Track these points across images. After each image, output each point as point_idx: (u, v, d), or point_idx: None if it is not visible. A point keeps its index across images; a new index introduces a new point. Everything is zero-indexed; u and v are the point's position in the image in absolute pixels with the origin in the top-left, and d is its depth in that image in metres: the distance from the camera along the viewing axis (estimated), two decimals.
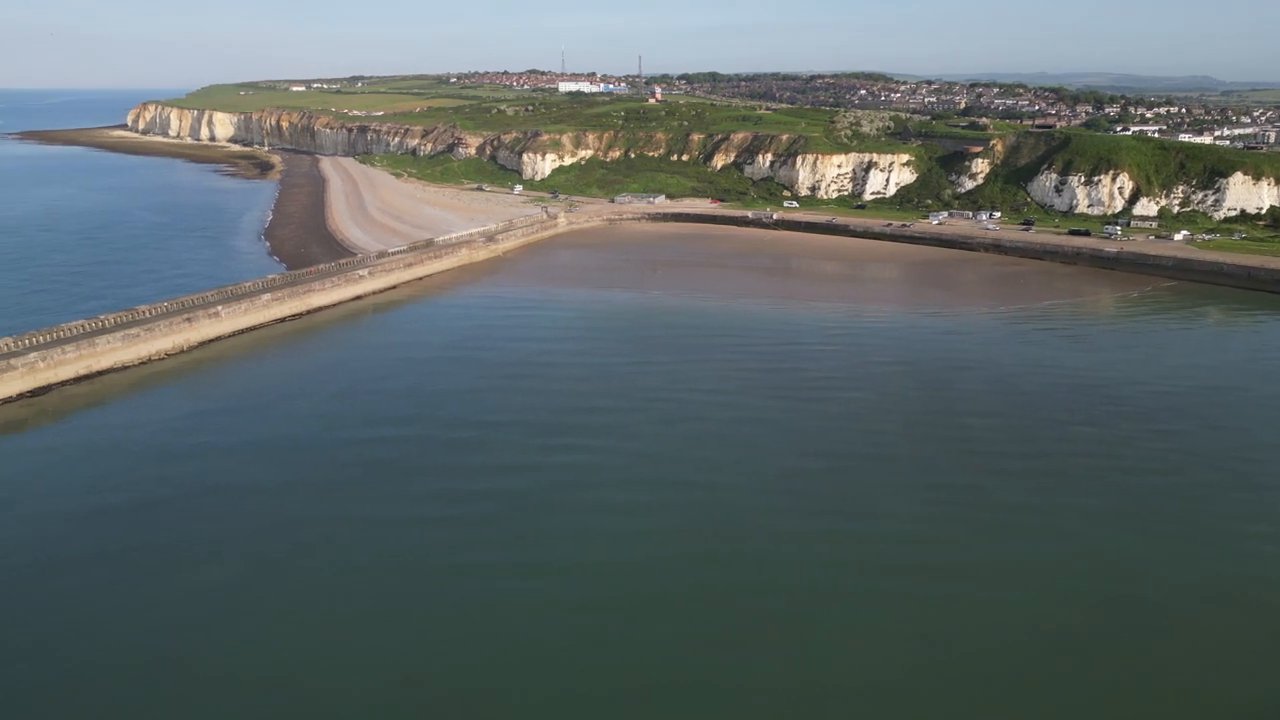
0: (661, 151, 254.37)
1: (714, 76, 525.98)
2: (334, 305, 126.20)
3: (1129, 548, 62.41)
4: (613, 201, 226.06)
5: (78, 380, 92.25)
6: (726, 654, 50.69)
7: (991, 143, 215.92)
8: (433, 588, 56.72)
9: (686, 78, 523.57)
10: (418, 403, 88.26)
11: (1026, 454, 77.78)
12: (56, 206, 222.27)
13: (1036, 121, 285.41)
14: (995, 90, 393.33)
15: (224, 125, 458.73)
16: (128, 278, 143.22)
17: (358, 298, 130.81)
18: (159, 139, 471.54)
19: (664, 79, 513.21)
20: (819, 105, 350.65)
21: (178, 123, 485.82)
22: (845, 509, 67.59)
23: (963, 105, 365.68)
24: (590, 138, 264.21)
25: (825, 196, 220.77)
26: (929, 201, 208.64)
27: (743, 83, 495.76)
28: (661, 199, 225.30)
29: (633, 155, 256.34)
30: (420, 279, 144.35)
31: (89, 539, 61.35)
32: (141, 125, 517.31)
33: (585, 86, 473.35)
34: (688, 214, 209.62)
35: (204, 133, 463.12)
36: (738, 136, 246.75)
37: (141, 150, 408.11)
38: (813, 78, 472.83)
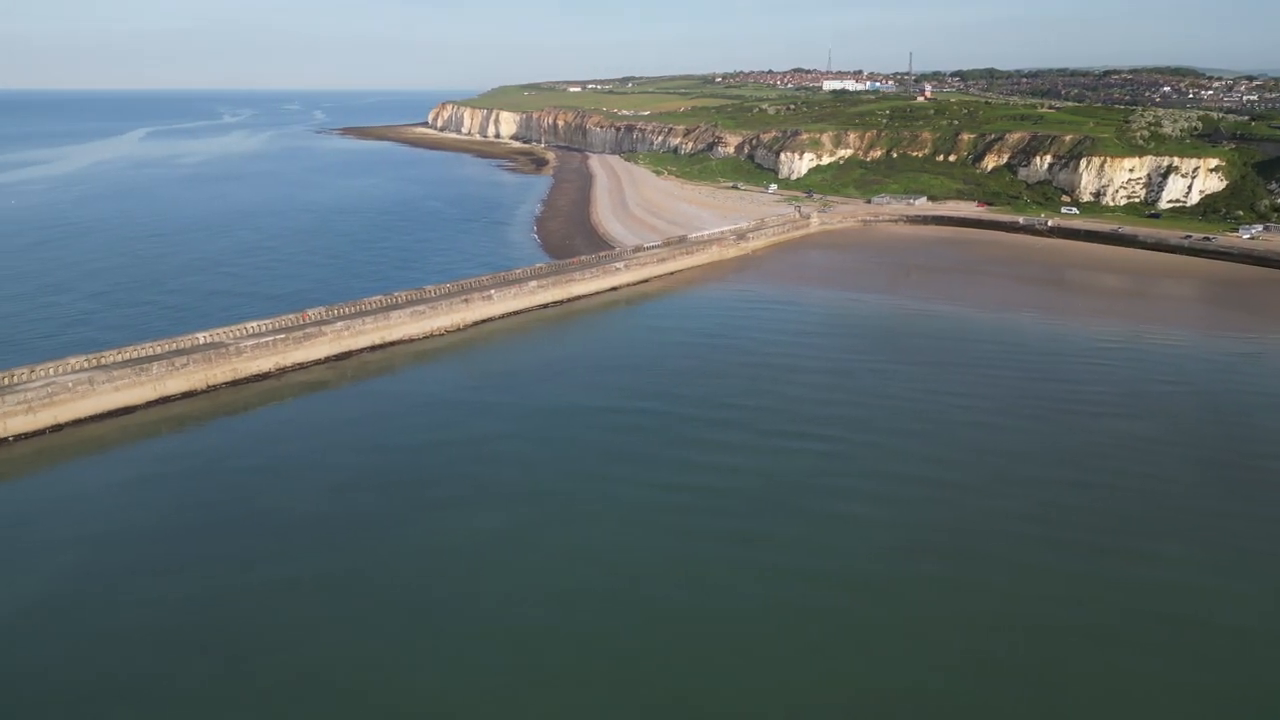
0: (926, 151, 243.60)
1: (991, 73, 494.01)
2: (591, 295, 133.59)
3: None
4: (869, 202, 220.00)
5: (373, 349, 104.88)
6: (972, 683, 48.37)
7: None
8: (651, 571, 58.97)
9: (960, 75, 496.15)
10: (659, 389, 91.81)
11: None
12: (366, 194, 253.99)
13: None
14: None
15: (508, 124, 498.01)
16: (418, 258, 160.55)
17: (613, 289, 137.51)
18: (452, 136, 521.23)
19: (935, 76, 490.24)
20: (1111, 103, 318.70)
21: (469, 121, 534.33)
22: (1108, 543, 61.69)
23: None
24: (851, 137, 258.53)
25: (1111, 203, 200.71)
26: (1240, 213, 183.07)
27: (1023, 79, 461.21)
28: (923, 201, 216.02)
29: (895, 155, 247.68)
30: (671, 273, 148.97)
31: (373, 475, 70.20)
32: (439, 123, 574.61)
33: (850, 85, 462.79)
34: (950, 217, 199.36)
35: (491, 130, 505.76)
36: (1013, 136, 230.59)
37: (437, 146, 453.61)
38: (1106, 73, 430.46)
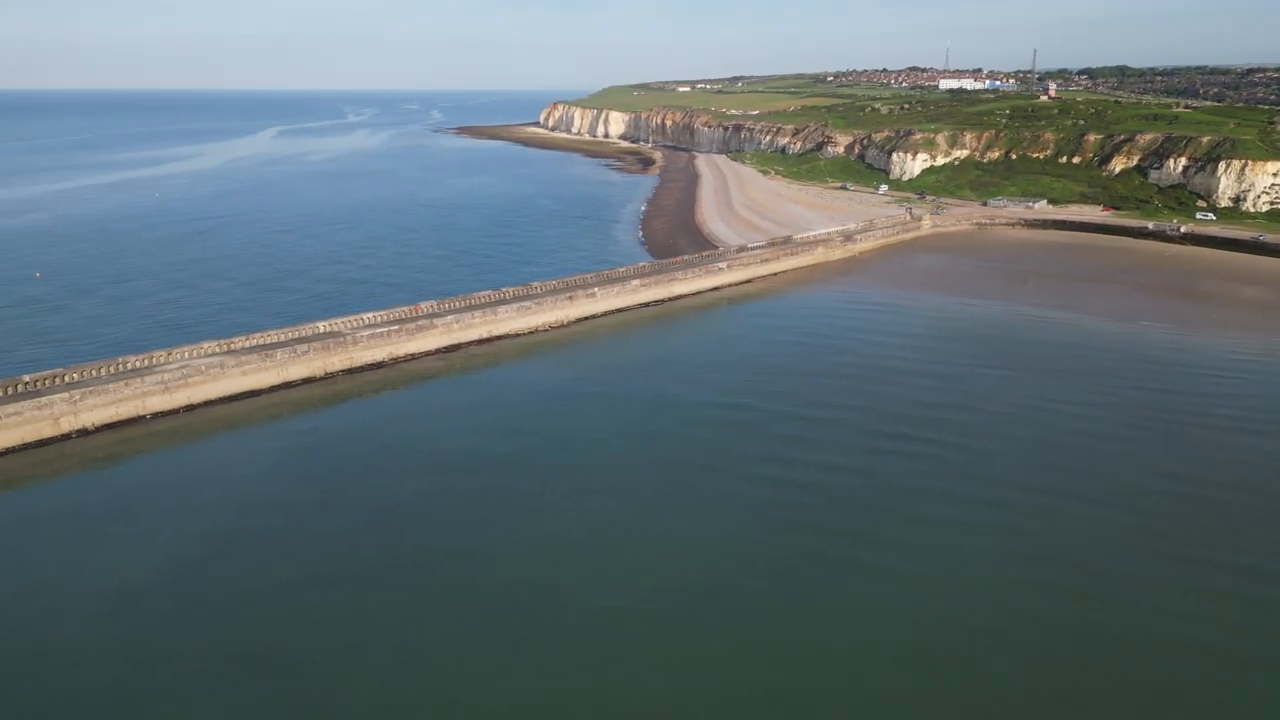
0: (1048, 153, 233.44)
1: (1122, 71, 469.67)
2: (693, 294, 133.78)
3: None
4: (985, 205, 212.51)
5: (480, 342, 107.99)
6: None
7: None
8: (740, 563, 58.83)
9: (1088, 72, 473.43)
10: (759, 387, 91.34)
11: None
12: (479, 192, 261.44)
13: None
14: None
15: (617, 124, 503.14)
16: (526, 255, 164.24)
17: (715, 288, 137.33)
18: (563, 135, 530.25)
19: (1061, 74, 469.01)
20: (1255, 103, 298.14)
21: (579, 121, 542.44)
22: (1239, 561, 58.09)
23: None
24: (967, 137, 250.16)
25: (1252, 209, 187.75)
26: None
27: (1157, 78, 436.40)
28: (1042, 204, 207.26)
29: (1014, 156, 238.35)
30: (774, 274, 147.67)
31: (475, 462, 72.53)
32: (550, 123, 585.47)
33: (968, 83, 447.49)
34: (1072, 221, 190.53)
35: (599, 130, 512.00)
36: (1144, 138, 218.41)
37: (547, 145, 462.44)
38: (1249, 71, 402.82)
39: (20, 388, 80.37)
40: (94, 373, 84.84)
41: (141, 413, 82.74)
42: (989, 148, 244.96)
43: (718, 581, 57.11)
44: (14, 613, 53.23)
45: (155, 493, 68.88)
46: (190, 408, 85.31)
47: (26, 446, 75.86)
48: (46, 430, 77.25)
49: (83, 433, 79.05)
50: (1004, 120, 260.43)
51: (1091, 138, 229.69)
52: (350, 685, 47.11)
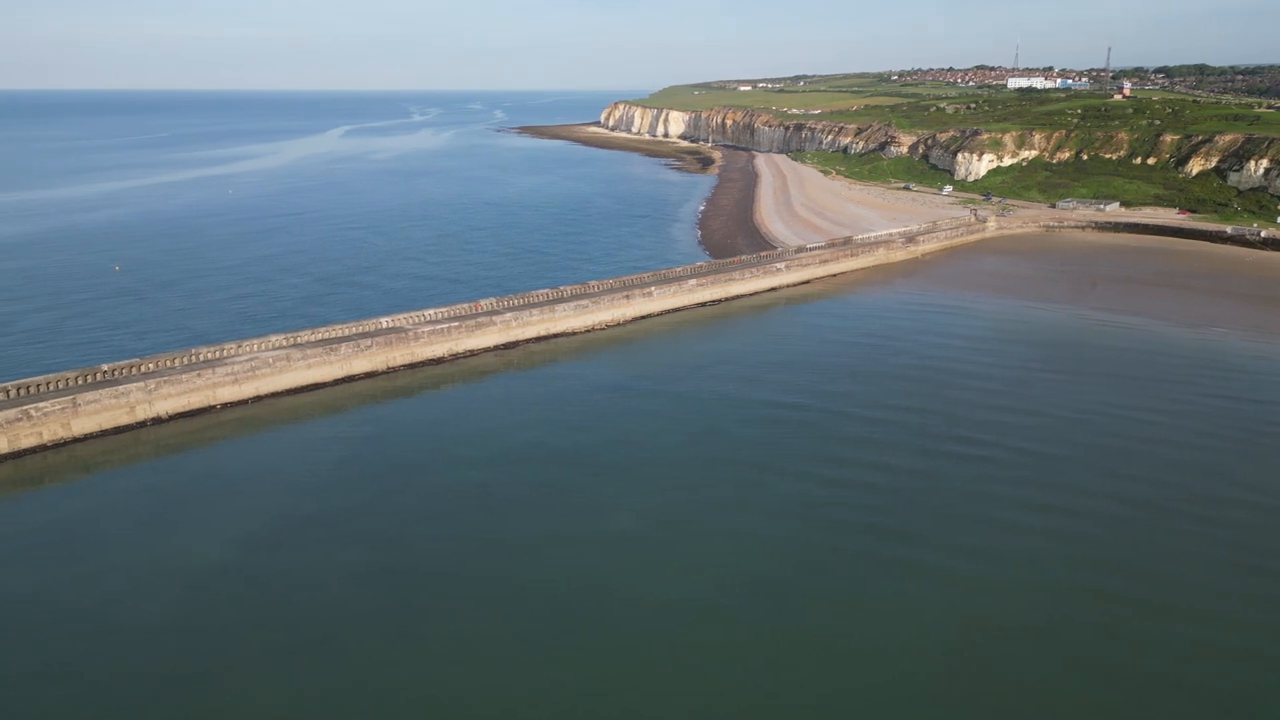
0: (1122, 154, 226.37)
1: (1201, 69, 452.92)
2: (751, 294, 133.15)
3: None
4: (1054, 207, 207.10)
5: (538, 340, 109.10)
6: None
7: None
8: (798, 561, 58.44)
9: (1165, 71, 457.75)
10: (816, 387, 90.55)
11: None
12: (540, 190, 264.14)
13: None
14: None
15: (677, 123, 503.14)
16: (584, 253, 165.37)
17: (773, 289, 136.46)
18: (622, 135, 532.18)
19: (1136, 73, 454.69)
20: None
21: (639, 120, 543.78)
22: None
23: None
24: (1036, 137, 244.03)
25: None
26: None
27: (1239, 76, 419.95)
28: (1114, 206, 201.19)
29: (1085, 157, 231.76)
30: (833, 275, 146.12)
31: (531, 457, 73.46)
32: (611, 123, 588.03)
33: (1038, 82, 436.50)
34: (1145, 224, 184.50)
35: (659, 130, 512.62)
36: (1224, 138, 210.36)
37: (607, 145, 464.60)
38: None
39: (99, 376, 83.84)
40: (168, 363, 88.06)
41: (212, 403, 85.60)
42: (1059, 148, 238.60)
43: (771, 579, 57.07)
44: (93, 589, 55.57)
45: (223, 481, 71.22)
46: (257, 399, 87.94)
47: (104, 433, 79.12)
48: (123, 418, 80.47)
49: (157, 421, 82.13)
50: (1075, 120, 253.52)
51: (1168, 138, 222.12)
52: (400, 675, 48.10)
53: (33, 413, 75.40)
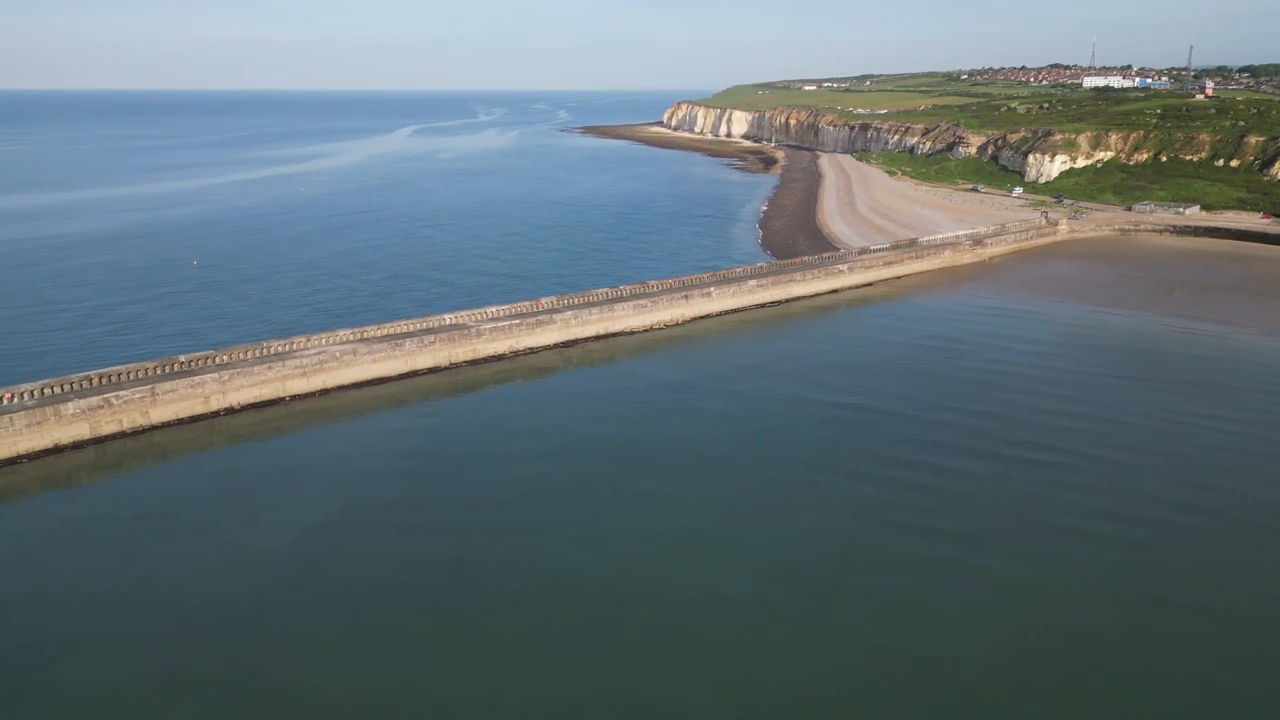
0: (1203, 155, 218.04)
1: None
2: (811, 296, 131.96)
3: None
4: (1130, 210, 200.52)
5: (597, 338, 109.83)
6: None
7: None
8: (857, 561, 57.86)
9: (1250, 70, 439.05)
10: (877, 389, 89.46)
11: None
12: (602, 190, 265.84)
13: None
14: None
15: (739, 123, 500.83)
16: (645, 253, 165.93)
17: (834, 291, 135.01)
18: (685, 135, 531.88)
19: (1220, 72, 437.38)
20: None
21: (702, 120, 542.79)
22: None
23: None
24: (1112, 138, 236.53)
25: None
26: None
27: None
28: (1194, 210, 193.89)
29: (1163, 159, 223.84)
30: (897, 278, 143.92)
31: (589, 453, 74.21)
32: (673, 123, 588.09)
33: (1115, 81, 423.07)
34: (1227, 229, 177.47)
35: (722, 130, 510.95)
36: None
37: (669, 145, 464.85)
38: None
39: (177, 367, 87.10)
40: (241, 356, 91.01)
41: (282, 395, 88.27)
42: (1136, 149, 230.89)
43: (826, 578, 56.87)
44: (167, 571, 57.81)
45: (291, 470, 73.46)
46: (325, 391, 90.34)
47: (180, 421, 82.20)
48: (198, 407, 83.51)
49: (229, 411, 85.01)
50: (1154, 120, 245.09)
51: (1253, 140, 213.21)
52: (454, 664, 48.93)
53: (114, 401, 78.77)
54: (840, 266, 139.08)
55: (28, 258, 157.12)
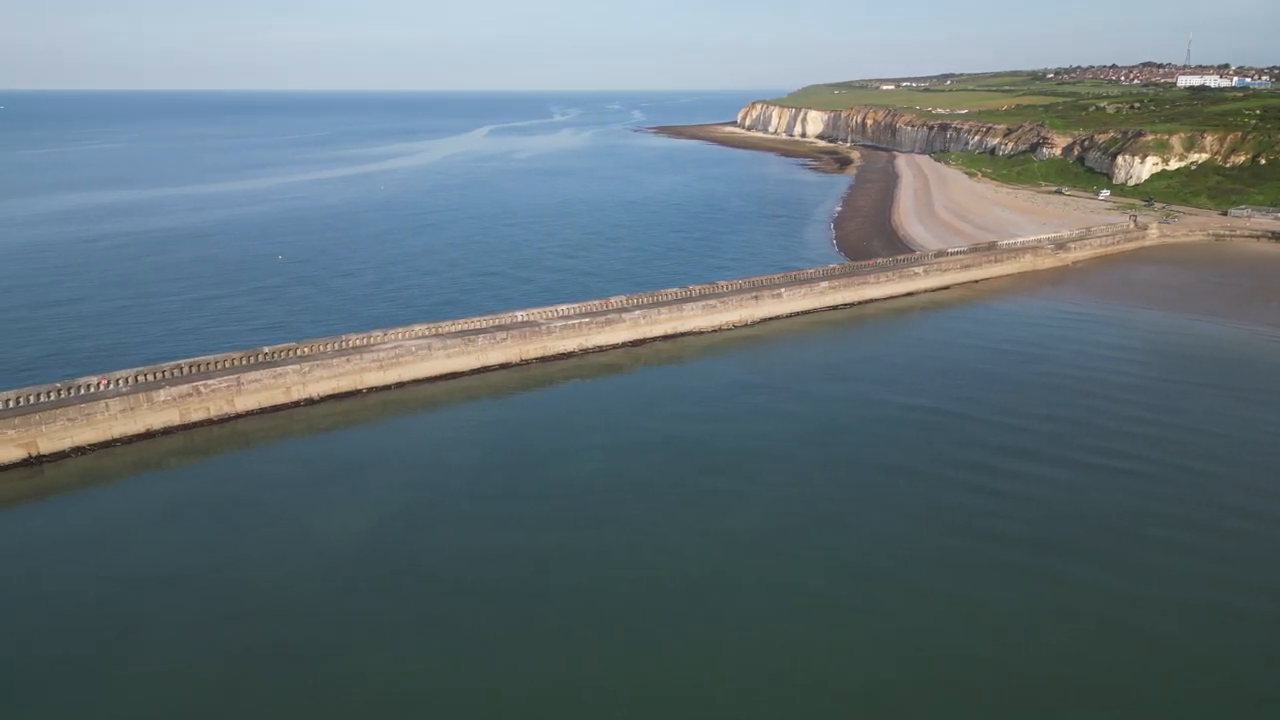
0: None
1: None
2: (885, 299, 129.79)
3: None
4: (1225, 214, 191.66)
5: (665, 338, 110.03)
6: None
7: None
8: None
9: None
10: (952, 393, 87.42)
11: None
12: (676, 190, 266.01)
13: None
14: None
15: (815, 123, 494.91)
16: (716, 253, 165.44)
17: (909, 294, 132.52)
18: (758, 135, 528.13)
19: None
20: None
21: (777, 120, 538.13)
22: None
23: None
24: (1208, 139, 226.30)
25: None
26: None
27: None
28: None
29: (1263, 161, 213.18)
30: (975, 281, 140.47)
31: (654, 451, 74.43)
32: (747, 123, 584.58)
33: (1212, 80, 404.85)
34: None
35: (797, 130, 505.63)
36: None
37: (742, 145, 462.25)
38: None
39: (260, 358, 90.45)
40: (321, 348, 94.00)
41: (359, 387, 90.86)
42: (1233, 151, 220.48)
43: (896, 579, 56.42)
44: (245, 554, 60.17)
45: (366, 460, 75.54)
46: (400, 385, 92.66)
47: (263, 410, 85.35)
48: (279, 397, 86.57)
49: (309, 401, 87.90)
50: (1253, 121, 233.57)
51: None
52: (516, 656, 49.66)
53: (202, 389, 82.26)
54: (915, 269, 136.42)
55: (132, 250, 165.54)
